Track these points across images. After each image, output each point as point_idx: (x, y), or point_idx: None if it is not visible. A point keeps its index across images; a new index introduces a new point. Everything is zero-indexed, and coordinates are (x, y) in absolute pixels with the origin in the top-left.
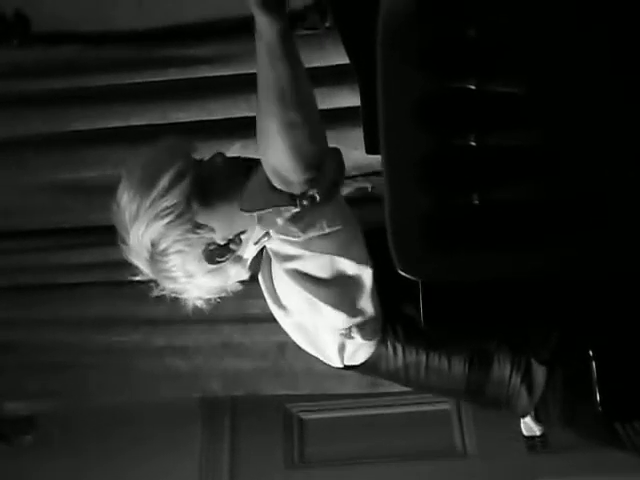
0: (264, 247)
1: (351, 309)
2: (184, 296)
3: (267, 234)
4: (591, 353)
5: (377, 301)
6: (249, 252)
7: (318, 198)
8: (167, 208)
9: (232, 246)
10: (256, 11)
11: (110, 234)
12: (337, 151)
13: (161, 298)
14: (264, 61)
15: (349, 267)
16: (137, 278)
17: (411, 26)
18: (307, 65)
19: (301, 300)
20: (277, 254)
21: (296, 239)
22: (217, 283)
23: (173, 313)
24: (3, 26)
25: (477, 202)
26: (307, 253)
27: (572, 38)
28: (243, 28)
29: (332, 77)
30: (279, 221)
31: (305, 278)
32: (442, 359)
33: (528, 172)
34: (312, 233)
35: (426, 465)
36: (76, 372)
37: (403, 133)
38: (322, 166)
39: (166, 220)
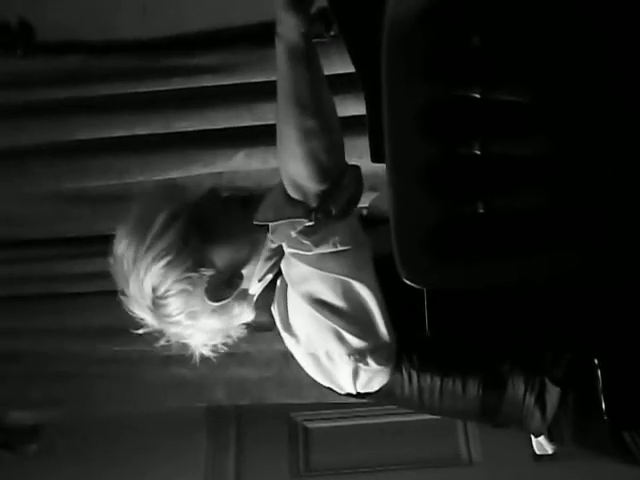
0: (277, 280)
1: (363, 333)
2: (189, 342)
3: (273, 268)
4: (596, 361)
5: (390, 327)
6: (254, 288)
7: (333, 213)
8: (164, 249)
9: (235, 281)
10: (283, 12)
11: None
12: (357, 168)
13: None
14: (285, 65)
15: (361, 290)
16: (141, 331)
17: (416, 34)
18: None
19: (314, 325)
20: (290, 276)
21: (307, 253)
22: (221, 324)
23: None
24: (7, 35)
25: (482, 210)
26: (319, 273)
27: (577, 47)
28: (247, 37)
29: (337, 86)
30: (292, 234)
31: (318, 302)
32: (456, 383)
33: (533, 180)
34: (324, 249)
35: (431, 473)
36: (81, 381)
37: (408, 141)
38: (340, 180)
39: (164, 261)
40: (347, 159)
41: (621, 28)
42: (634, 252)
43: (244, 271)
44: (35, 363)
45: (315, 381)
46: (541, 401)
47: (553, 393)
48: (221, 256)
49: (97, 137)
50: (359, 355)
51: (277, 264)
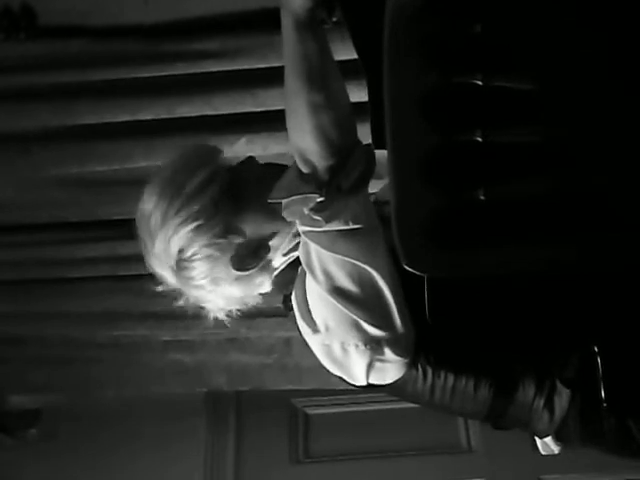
0: (299, 263)
1: (381, 323)
2: (207, 305)
3: (297, 245)
4: (596, 349)
5: (408, 320)
6: (278, 261)
7: (344, 188)
8: (195, 213)
9: (262, 252)
10: None
11: (117, 228)
12: (368, 146)
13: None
14: (291, 37)
15: (377, 278)
16: (160, 288)
17: (418, 21)
18: None
19: (332, 314)
20: (307, 263)
21: (319, 229)
22: (242, 292)
23: (179, 307)
24: (10, 20)
25: (483, 197)
26: (333, 256)
27: (579, 33)
28: (250, 23)
29: (340, 72)
30: (304, 210)
31: (336, 290)
32: (469, 383)
33: (534, 168)
34: (335, 225)
35: (431, 461)
36: (82, 366)
37: (409, 128)
38: (350, 156)
39: (194, 224)
40: None
41: (621, 14)
42: (636, 239)
43: (271, 242)
44: (35, 348)
45: (316, 368)
46: (550, 403)
47: (563, 395)
48: (251, 225)
49: (100, 122)
50: (376, 344)
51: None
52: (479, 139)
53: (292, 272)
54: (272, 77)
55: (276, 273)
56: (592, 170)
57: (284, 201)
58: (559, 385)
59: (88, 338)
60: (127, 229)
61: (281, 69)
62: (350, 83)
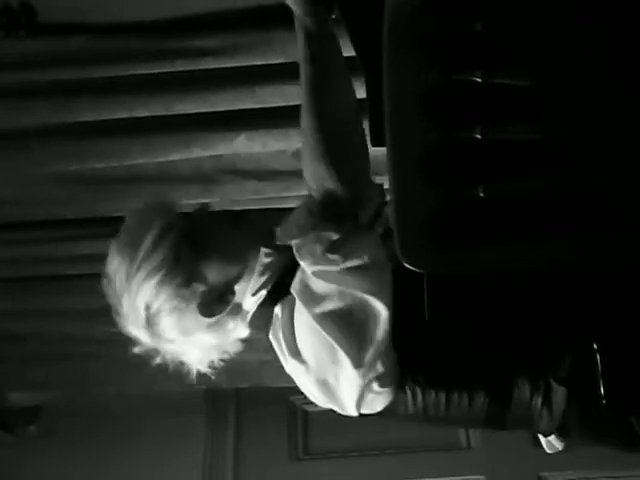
0: (273, 302)
1: (373, 362)
2: (184, 359)
3: (266, 284)
4: (595, 346)
5: (392, 357)
6: (248, 303)
7: (361, 222)
8: (156, 266)
9: (228, 297)
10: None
11: (114, 225)
12: (380, 185)
13: None
14: (303, 54)
15: (378, 308)
16: (136, 351)
17: (417, 18)
18: None
19: (324, 350)
20: (306, 297)
21: (334, 268)
22: (216, 339)
23: None
24: (9, 16)
25: (482, 195)
26: (339, 290)
27: (579, 32)
28: (249, 20)
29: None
30: (318, 249)
31: (330, 324)
32: (462, 396)
33: (534, 165)
34: (351, 262)
35: (430, 458)
36: (80, 363)
37: (408, 126)
38: (368, 189)
39: (156, 278)
40: None
41: (621, 12)
42: (636, 238)
43: (237, 287)
44: (34, 345)
45: None
46: (548, 402)
47: (559, 393)
48: (213, 271)
49: (98, 119)
50: (367, 380)
51: (271, 280)
52: (478, 137)
53: (268, 311)
54: (271, 74)
55: (250, 315)
56: (592, 168)
57: (295, 242)
58: (554, 384)
59: (86, 335)
60: None
61: (279, 66)
62: None
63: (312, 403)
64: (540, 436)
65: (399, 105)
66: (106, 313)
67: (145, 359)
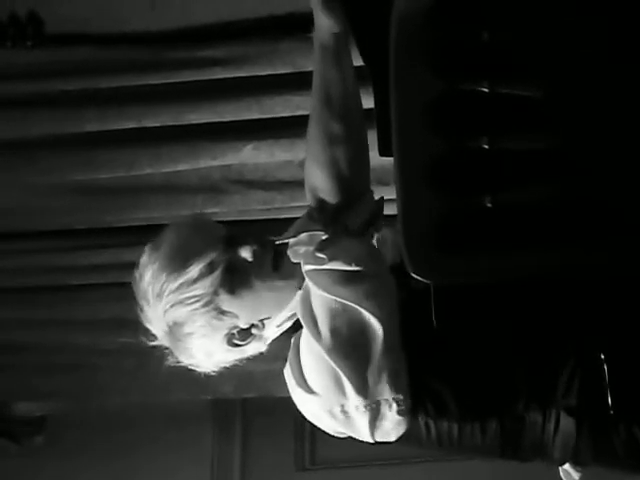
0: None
1: (376, 383)
2: (199, 369)
3: (291, 318)
4: (602, 356)
5: (406, 379)
6: (270, 332)
7: (350, 228)
8: (194, 297)
9: (254, 330)
10: (317, 12)
11: (122, 235)
12: (380, 200)
13: None
14: (318, 65)
15: (374, 325)
16: (152, 344)
17: (424, 28)
18: None
19: (328, 378)
20: (306, 312)
21: (322, 266)
22: (235, 359)
23: None
24: (16, 27)
25: (489, 205)
26: (333, 299)
27: (585, 43)
28: (257, 30)
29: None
30: (310, 249)
31: (335, 351)
32: (474, 426)
33: (540, 174)
34: (338, 264)
35: (437, 468)
36: (87, 373)
37: (415, 135)
38: (360, 199)
39: (192, 307)
40: None
41: (629, 24)
42: None
43: (266, 322)
44: (41, 355)
45: None
46: (560, 431)
47: (569, 423)
48: (246, 308)
49: (106, 129)
50: (375, 405)
51: (295, 315)
52: (486, 146)
53: (287, 339)
54: (278, 84)
55: (269, 342)
56: (599, 178)
57: (291, 241)
58: (563, 414)
59: (94, 345)
60: (132, 236)
61: (287, 76)
62: None
63: None
64: (559, 468)
65: (406, 115)
66: (114, 323)
67: (150, 370)
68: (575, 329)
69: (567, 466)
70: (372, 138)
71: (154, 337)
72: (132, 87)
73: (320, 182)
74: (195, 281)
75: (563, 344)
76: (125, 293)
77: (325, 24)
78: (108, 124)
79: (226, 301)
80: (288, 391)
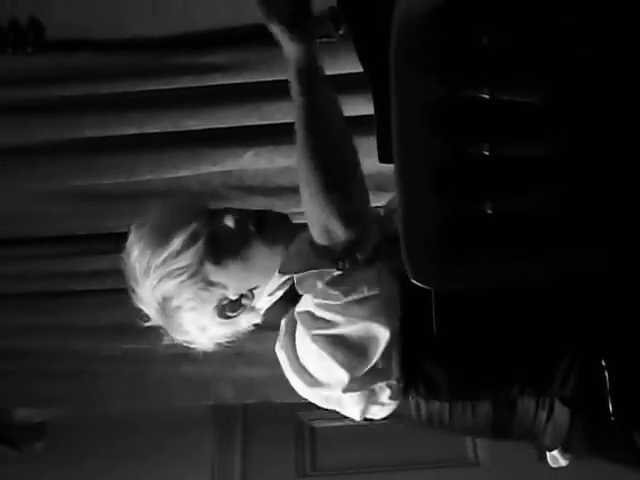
0: (289, 300)
1: (370, 375)
2: (195, 346)
3: (283, 285)
4: (603, 363)
5: (399, 361)
6: (262, 302)
7: (360, 259)
8: (180, 269)
9: (244, 301)
10: (284, 43)
11: (122, 241)
12: (379, 217)
13: None
14: (297, 115)
15: (380, 331)
16: (147, 324)
17: (425, 35)
18: None
19: (324, 367)
20: (306, 320)
21: (336, 302)
22: (229, 332)
23: None
24: (17, 33)
25: (490, 211)
26: (342, 320)
27: (587, 49)
28: (257, 36)
29: (346, 85)
30: (319, 284)
31: (333, 344)
32: (466, 406)
33: (541, 181)
34: (352, 297)
35: (438, 474)
36: (88, 379)
37: (416, 142)
38: (366, 228)
39: (178, 280)
40: None
41: (631, 30)
42: None
43: (256, 291)
44: (42, 361)
45: None
46: (553, 419)
47: (563, 413)
48: (233, 278)
49: (106, 135)
50: (369, 392)
51: (289, 281)
52: (487, 153)
53: (281, 308)
54: (278, 90)
55: (263, 311)
56: (598, 181)
57: (297, 277)
58: (558, 404)
59: (94, 351)
60: None
61: (286, 82)
62: (356, 96)
63: (320, 419)
64: (547, 452)
65: (407, 122)
66: (115, 329)
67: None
68: (575, 330)
69: (555, 452)
70: (372, 144)
71: (147, 318)
72: (133, 93)
73: (323, 222)
74: (179, 253)
75: (563, 345)
76: (126, 299)
77: (293, 57)
78: (109, 130)
79: (212, 272)
80: (289, 397)
